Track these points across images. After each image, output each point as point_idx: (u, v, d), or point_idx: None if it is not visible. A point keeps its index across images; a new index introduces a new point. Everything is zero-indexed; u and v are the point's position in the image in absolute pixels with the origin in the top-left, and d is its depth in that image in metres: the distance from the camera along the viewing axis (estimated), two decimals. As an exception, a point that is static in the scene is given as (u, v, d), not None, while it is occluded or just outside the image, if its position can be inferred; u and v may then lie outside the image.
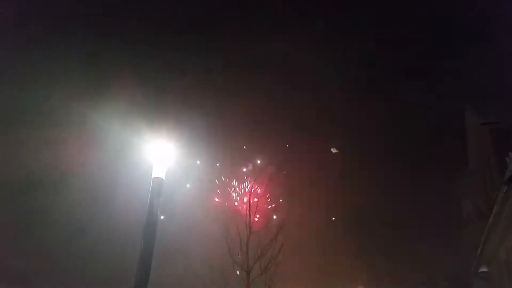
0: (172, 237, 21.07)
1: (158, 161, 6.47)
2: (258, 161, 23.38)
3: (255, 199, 21.12)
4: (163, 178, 6.41)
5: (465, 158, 22.61)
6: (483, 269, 19.02)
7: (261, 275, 19.49)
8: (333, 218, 30.50)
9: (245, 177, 22.79)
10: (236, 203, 22.41)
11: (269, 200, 22.29)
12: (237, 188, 22.85)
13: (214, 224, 20.95)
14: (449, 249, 28.52)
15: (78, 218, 25.12)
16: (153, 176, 6.36)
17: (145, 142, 6.67)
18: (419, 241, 32.92)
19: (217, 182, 23.47)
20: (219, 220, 20.58)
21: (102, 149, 23.58)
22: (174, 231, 21.13)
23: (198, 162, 23.55)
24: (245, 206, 20.89)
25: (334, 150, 29.27)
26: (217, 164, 24.02)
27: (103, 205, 25.13)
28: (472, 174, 21.64)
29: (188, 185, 23.24)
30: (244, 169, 23.31)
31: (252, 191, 21.43)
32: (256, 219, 20.59)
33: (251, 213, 20.48)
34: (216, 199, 22.98)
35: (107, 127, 21.89)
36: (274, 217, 22.02)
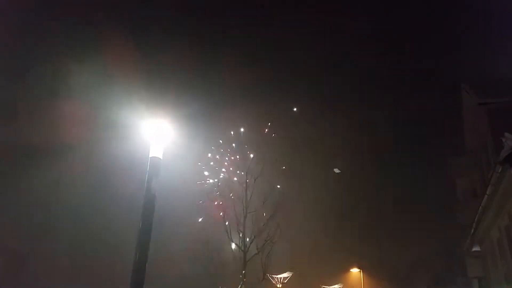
0: (170, 217, 21.21)
1: (155, 140, 6.45)
2: (257, 140, 23.33)
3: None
4: (161, 157, 6.40)
5: (462, 138, 22.66)
6: (476, 248, 19.31)
7: (257, 254, 19.76)
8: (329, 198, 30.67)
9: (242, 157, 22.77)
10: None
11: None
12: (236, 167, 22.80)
13: (212, 204, 21.04)
14: (443, 228, 28.88)
15: (75, 197, 25.19)
16: (150, 156, 6.35)
17: (142, 121, 6.64)
18: (413, 220, 33.34)
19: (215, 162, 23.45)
20: (217, 200, 20.68)
21: (99, 128, 23.47)
22: (172, 211, 21.24)
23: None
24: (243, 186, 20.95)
25: (337, 170, 29.60)
26: (212, 148, 23.94)
27: (101, 184, 25.17)
28: (468, 154, 21.73)
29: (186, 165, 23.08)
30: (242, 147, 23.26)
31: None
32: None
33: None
34: (213, 179, 22.96)
35: (105, 105, 21.74)
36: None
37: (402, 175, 36.23)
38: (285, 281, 28.73)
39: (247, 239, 19.96)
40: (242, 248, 19.71)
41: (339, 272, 33.48)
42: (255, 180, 21.19)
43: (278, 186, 22.21)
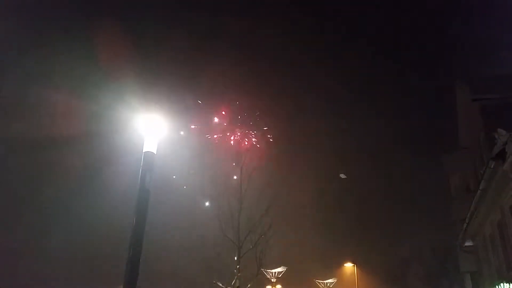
0: (164, 212, 21.19)
1: (149, 135, 6.42)
2: (252, 134, 23.29)
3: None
4: (155, 152, 6.38)
5: (456, 134, 22.79)
6: (469, 243, 19.46)
7: (251, 249, 19.77)
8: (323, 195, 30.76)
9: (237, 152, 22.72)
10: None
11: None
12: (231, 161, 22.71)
13: (206, 199, 21.01)
14: (436, 223, 29.15)
15: (68, 191, 25.11)
16: (144, 150, 6.32)
17: (136, 116, 6.61)
18: (407, 215, 33.61)
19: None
20: (211, 195, 20.64)
21: (93, 122, 23.37)
22: (166, 206, 21.22)
23: (182, 133, 23.31)
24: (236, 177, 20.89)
25: (342, 176, 29.86)
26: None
27: (95, 179, 25.08)
28: (461, 150, 21.85)
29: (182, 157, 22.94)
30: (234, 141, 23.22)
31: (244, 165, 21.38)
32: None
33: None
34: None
35: (98, 100, 21.63)
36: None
37: (397, 171, 36.47)
38: (280, 276, 28.87)
39: (242, 234, 19.97)
40: (237, 243, 19.71)
41: (333, 267, 33.71)
42: (249, 175, 21.17)
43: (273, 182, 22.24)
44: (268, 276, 27.91)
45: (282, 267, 28.20)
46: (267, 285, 28.93)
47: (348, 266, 33.46)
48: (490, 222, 15.21)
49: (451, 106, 21.28)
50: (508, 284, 13.38)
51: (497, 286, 14.38)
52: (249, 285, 20.02)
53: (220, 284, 19.39)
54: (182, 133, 22.91)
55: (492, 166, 11.02)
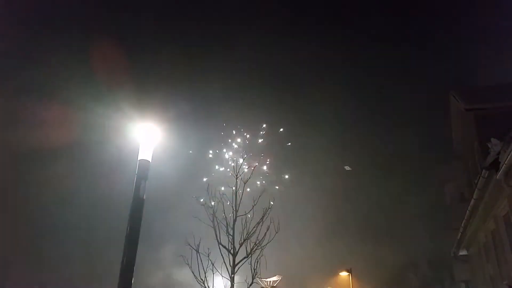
0: (158, 219, 21.08)
1: (144, 143, 6.41)
2: (247, 140, 23.23)
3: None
4: (150, 160, 6.36)
5: (450, 144, 22.93)
6: (463, 252, 19.52)
7: (246, 258, 19.64)
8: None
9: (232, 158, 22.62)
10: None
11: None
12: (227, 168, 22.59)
13: (200, 205, 20.89)
14: (431, 232, 29.12)
15: (62, 200, 24.94)
16: (139, 158, 6.30)
17: (131, 123, 6.60)
18: (402, 224, 33.58)
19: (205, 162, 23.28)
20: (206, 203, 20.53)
21: (88, 131, 23.30)
22: (159, 213, 21.12)
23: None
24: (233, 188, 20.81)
25: (347, 168, 30.01)
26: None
27: (89, 187, 24.95)
28: (455, 159, 21.97)
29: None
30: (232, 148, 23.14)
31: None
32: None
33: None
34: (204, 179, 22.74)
35: (93, 108, 21.58)
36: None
37: (391, 179, 36.49)
38: (275, 285, 28.68)
39: (237, 243, 19.85)
40: (232, 252, 19.59)
41: (328, 276, 33.57)
42: (245, 183, 21.11)
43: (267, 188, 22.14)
44: (263, 285, 27.72)
45: (277, 276, 28.03)
46: (262, 294, 28.75)
47: (343, 274, 33.34)
48: (484, 231, 15.26)
49: (445, 115, 21.43)
50: (502, 293, 13.39)
51: (491, 296, 14.40)
52: (243, 294, 19.89)
53: (215, 293, 19.23)
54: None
55: (485, 176, 11.07)
